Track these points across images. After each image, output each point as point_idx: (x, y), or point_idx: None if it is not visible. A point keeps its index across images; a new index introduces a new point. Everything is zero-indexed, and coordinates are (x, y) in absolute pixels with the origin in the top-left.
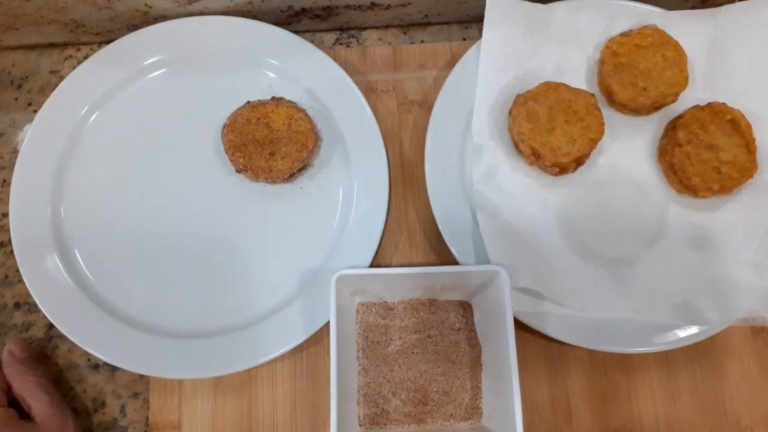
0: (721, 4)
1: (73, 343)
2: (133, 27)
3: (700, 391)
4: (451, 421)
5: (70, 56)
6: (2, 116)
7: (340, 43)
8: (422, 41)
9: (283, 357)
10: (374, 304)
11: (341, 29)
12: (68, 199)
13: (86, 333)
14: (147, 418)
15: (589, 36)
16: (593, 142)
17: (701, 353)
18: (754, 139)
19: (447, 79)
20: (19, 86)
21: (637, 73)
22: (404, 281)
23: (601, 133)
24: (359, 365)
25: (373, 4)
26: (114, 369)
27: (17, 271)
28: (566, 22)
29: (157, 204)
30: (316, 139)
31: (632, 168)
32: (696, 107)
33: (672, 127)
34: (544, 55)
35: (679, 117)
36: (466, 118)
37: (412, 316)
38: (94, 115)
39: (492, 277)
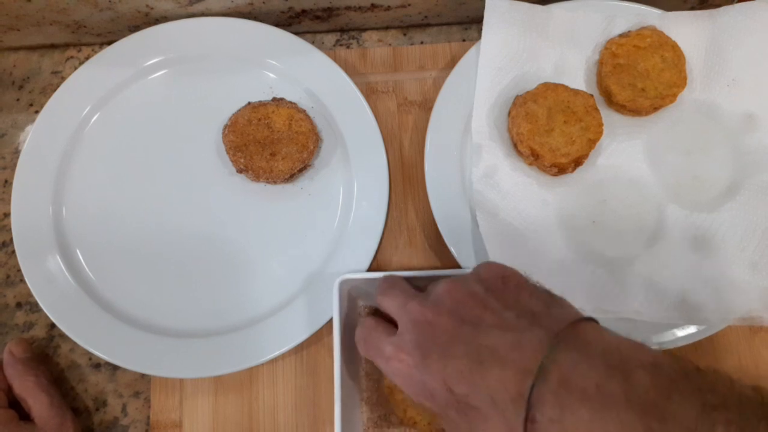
0: (719, 5)
1: (74, 343)
2: (135, 28)
3: None
4: None
5: (72, 57)
6: (4, 117)
7: (341, 45)
8: (422, 42)
9: (283, 356)
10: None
11: (341, 30)
12: (70, 200)
13: (88, 332)
14: (148, 417)
15: (588, 37)
16: (592, 143)
17: (700, 353)
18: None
19: (446, 80)
20: (21, 87)
21: (635, 74)
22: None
23: (600, 133)
24: (362, 368)
25: (373, 6)
26: (115, 368)
27: (19, 270)
28: (565, 23)
29: (158, 204)
30: (317, 139)
31: (631, 168)
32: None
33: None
34: (543, 56)
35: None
36: (465, 119)
37: None
38: (96, 116)
39: None
